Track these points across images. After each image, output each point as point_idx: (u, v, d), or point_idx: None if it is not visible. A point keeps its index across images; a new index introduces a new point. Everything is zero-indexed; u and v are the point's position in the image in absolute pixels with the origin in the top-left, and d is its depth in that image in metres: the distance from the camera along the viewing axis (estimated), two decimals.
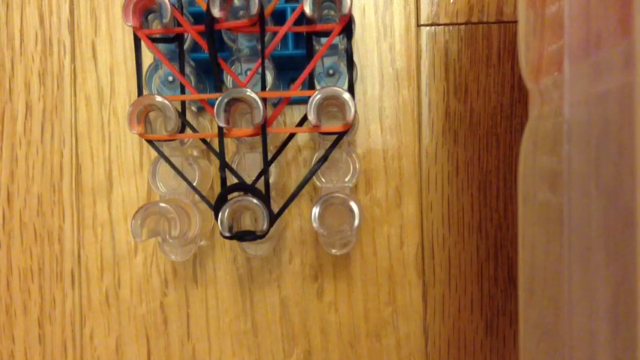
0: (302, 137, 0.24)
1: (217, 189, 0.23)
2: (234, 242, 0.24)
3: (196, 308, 0.25)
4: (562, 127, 0.15)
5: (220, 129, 0.19)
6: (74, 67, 0.25)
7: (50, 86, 0.25)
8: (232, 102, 0.18)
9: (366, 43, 0.25)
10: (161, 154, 0.20)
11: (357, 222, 0.20)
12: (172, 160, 0.20)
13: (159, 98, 0.19)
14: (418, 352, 0.25)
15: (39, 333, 0.25)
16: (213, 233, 0.24)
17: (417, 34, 0.25)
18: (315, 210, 0.20)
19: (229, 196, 0.19)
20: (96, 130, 0.25)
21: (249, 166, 0.22)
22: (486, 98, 0.25)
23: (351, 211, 0.20)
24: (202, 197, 0.20)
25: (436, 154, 0.25)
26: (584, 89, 0.15)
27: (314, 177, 0.22)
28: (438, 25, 0.25)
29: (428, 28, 0.25)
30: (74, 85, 0.25)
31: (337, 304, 0.25)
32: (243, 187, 0.19)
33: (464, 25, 0.25)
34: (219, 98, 0.18)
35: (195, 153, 0.24)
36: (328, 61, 0.22)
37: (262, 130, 0.19)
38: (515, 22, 0.24)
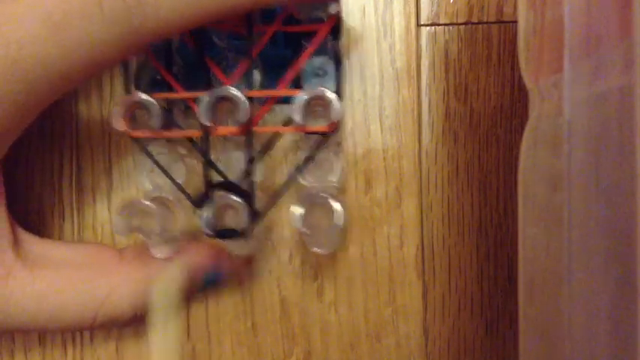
0: (290, 137, 0.24)
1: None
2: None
3: (196, 308, 0.25)
4: (562, 127, 0.15)
5: (205, 127, 0.19)
6: None
7: None
8: (218, 100, 0.18)
9: (366, 43, 0.25)
10: (146, 152, 0.20)
11: (338, 221, 0.20)
12: (159, 157, 0.20)
13: (144, 96, 0.19)
14: (418, 352, 0.25)
15: (39, 333, 0.25)
16: None
17: (417, 34, 0.25)
18: (296, 209, 0.20)
19: (213, 195, 0.19)
20: (96, 130, 0.25)
21: (235, 165, 0.22)
22: (486, 98, 0.25)
23: (333, 210, 0.20)
24: (186, 194, 0.20)
25: (436, 154, 0.25)
26: (584, 89, 0.15)
27: (300, 177, 0.22)
28: (438, 25, 0.25)
29: (428, 28, 0.25)
30: None
31: (337, 304, 0.25)
32: (227, 185, 0.20)
33: (464, 25, 0.25)
34: (204, 96, 0.18)
35: (183, 151, 0.23)
36: (317, 62, 0.22)
37: (247, 128, 0.19)
38: (515, 22, 0.24)
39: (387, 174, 0.25)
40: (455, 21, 0.25)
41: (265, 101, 0.20)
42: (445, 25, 0.25)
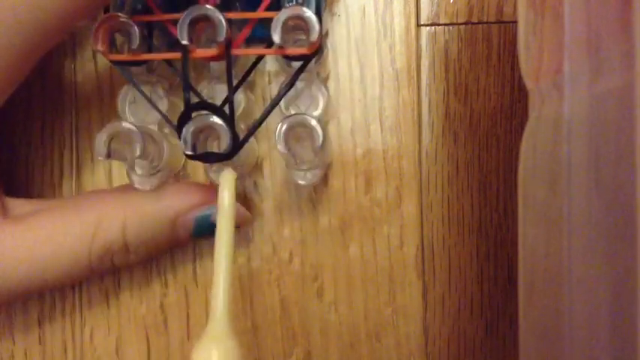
0: (275, 78, 0.24)
1: None
2: (236, 241, 0.24)
3: (196, 308, 0.25)
4: (562, 127, 0.15)
5: (184, 47, 0.19)
6: (74, 67, 0.25)
7: (50, 86, 0.25)
8: (196, 20, 0.19)
9: (366, 43, 0.25)
10: (128, 77, 0.20)
11: (319, 142, 0.20)
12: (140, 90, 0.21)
13: (123, 18, 0.19)
14: (418, 352, 0.25)
15: (39, 333, 0.25)
16: None
17: (417, 34, 0.25)
18: (279, 130, 0.20)
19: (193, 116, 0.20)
20: (96, 130, 0.25)
21: (217, 99, 0.22)
22: (486, 98, 0.25)
23: (314, 130, 0.20)
24: (165, 117, 0.20)
25: (436, 154, 0.25)
26: (584, 89, 0.15)
27: (283, 111, 0.22)
28: (438, 25, 0.25)
29: (428, 28, 0.25)
30: (74, 85, 0.25)
31: (337, 304, 0.25)
32: (207, 106, 0.20)
33: (464, 25, 0.25)
34: (183, 15, 0.19)
35: (165, 86, 0.23)
36: None
37: (226, 50, 0.19)
38: (515, 22, 0.24)
39: (387, 174, 0.25)
40: (455, 21, 0.25)
41: (244, 25, 0.21)
42: (445, 25, 0.25)
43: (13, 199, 0.22)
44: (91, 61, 0.25)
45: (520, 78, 0.20)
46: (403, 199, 0.25)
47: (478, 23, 0.25)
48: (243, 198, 0.25)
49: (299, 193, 0.25)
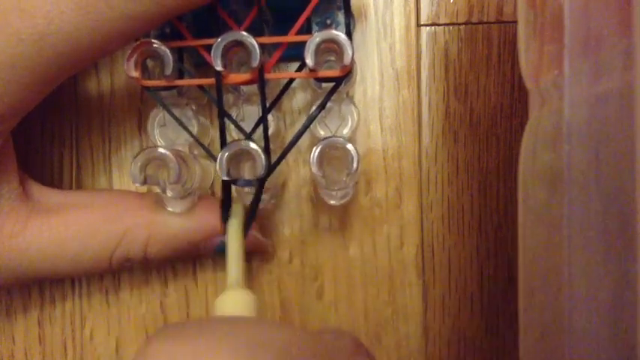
0: (301, 95, 0.24)
1: (216, 142, 0.23)
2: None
3: (196, 308, 0.25)
4: (562, 127, 0.15)
5: (218, 73, 0.19)
6: None
7: None
8: (230, 46, 0.19)
9: (366, 43, 0.25)
10: (160, 102, 0.20)
11: (355, 165, 0.20)
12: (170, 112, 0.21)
13: (157, 44, 0.19)
14: (418, 352, 0.25)
15: (39, 333, 0.25)
16: None
17: (417, 34, 0.25)
18: (314, 152, 0.20)
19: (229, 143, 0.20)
20: (96, 130, 0.25)
21: (247, 120, 0.22)
22: (486, 98, 0.25)
23: (350, 154, 0.20)
24: (200, 143, 0.20)
25: (436, 154, 0.25)
26: (584, 89, 0.15)
27: (312, 130, 0.22)
28: (438, 25, 0.25)
29: (428, 28, 0.25)
30: (74, 85, 0.25)
31: (337, 304, 0.25)
32: (241, 131, 0.20)
33: (464, 25, 0.25)
34: (217, 41, 0.18)
35: (193, 107, 0.23)
36: (326, 12, 0.23)
37: (260, 75, 0.19)
38: (515, 22, 0.24)
39: (387, 174, 0.25)
40: (455, 21, 0.25)
41: (276, 49, 0.21)
42: (445, 25, 0.25)
43: (40, 187, 0.22)
44: None
45: (520, 78, 0.20)
46: (403, 199, 0.25)
47: (478, 23, 0.25)
48: (267, 228, 0.25)
49: (299, 193, 0.25)
